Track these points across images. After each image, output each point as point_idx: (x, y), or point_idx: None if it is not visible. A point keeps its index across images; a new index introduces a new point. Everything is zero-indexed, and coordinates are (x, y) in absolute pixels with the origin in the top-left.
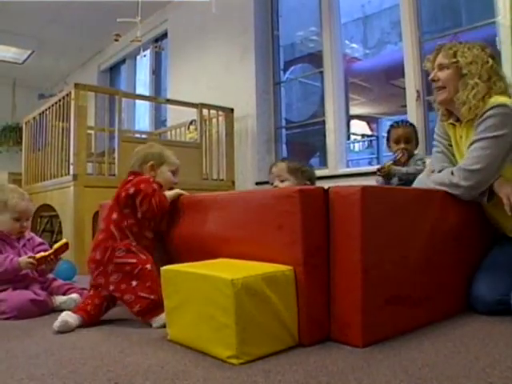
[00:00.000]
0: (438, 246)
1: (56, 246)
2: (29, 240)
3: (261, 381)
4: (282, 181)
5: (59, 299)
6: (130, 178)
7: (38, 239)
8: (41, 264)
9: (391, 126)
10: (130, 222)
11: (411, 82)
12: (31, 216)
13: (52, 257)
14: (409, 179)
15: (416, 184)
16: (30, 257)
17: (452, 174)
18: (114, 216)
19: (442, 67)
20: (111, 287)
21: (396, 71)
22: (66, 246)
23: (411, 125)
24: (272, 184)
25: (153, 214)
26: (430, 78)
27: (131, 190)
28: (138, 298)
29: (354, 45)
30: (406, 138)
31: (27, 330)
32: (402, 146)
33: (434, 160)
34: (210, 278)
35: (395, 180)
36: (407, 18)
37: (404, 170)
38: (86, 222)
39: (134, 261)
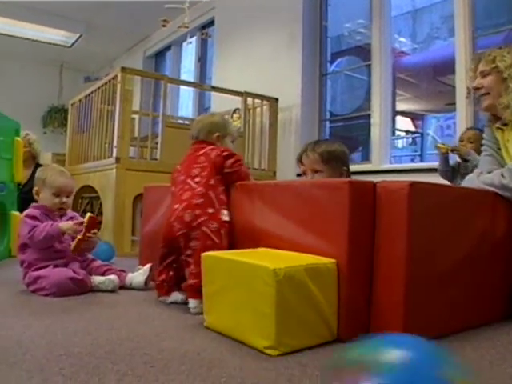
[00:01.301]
0: (486, 247)
1: (84, 223)
2: (71, 218)
3: (297, 374)
4: (316, 171)
5: (97, 279)
6: (203, 145)
7: (81, 219)
8: (79, 246)
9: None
10: (221, 189)
11: (462, 79)
12: (71, 193)
13: (87, 235)
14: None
15: (465, 183)
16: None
17: (502, 175)
18: (212, 182)
19: (483, 74)
20: (188, 251)
21: (444, 67)
22: (93, 219)
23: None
24: (304, 175)
25: (238, 180)
26: (473, 86)
27: (224, 154)
28: (199, 274)
29: (402, 39)
30: (469, 138)
31: (66, 308)
32: (463, 143)
33: (483, 163)
34: (252, 267)
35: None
36: (461, 12)
37: (478, 158)
38: (127, 204)
39: (218, 241)
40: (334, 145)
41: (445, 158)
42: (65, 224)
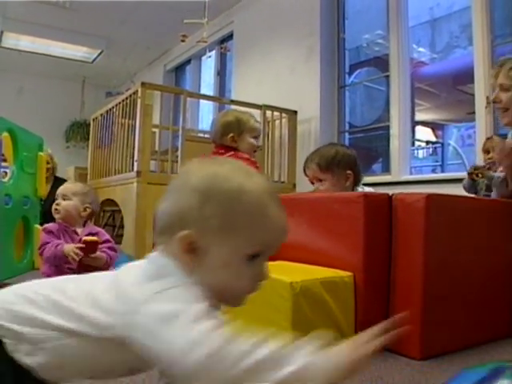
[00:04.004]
0: (504, 258)
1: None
2: (93, 234)
3: None
4: (320, 180)
5: None
6: (221, 150)
7: (106, 236)
8: (80, 266)
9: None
10: None
11: (481, 88)
12: (66, 195)
13: (82, 258)
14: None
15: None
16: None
17: None
18: None
19: (503, 88)
20: None
21: (464, 76)
22: (89, 244)
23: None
24: (313, 184)
25: None
26: (491, 98)
27: None
28: None
29: (421, 49)
30: (494, 148)
31: None
32: (490, 155)
33: None
34: (269, 280)
35: (482, 184)
36: (479, 21)
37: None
38: (148, 218)
39: None
40: (334, 149)
41: (473, 184)
42: (67, 247)
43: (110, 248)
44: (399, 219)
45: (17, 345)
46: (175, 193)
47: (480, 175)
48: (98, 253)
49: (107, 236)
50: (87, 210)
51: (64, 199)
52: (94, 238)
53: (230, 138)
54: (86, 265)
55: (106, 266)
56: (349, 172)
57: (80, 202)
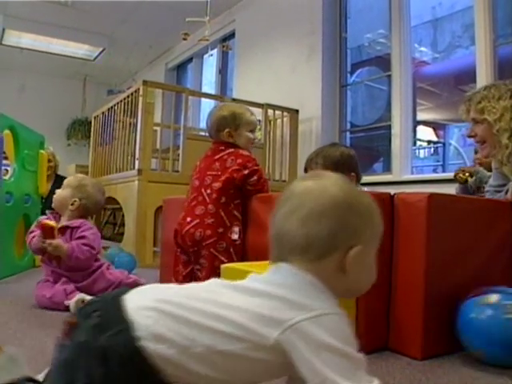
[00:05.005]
0: (504, 258)
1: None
2: (73, 228)
3: None
4: None
5: (68, 302)
6: (221, 147)
7: (85, 232)
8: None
9: None
10: (234, 204)
11: None
12: (64, 185)
13: (43, 245)
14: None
15: None
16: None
17: None
18: (223, 200)
19: (476, 122)
20: (197, 266)
21: (466, 76)
22: (43, 227)
23: None
24: None
25: (258, 193)
26: (466, 134)
27: (245, 172)
28: None
29: (423, 48)
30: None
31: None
32: (477, 155)
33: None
34: None
35: (472, 181)
36: (481, 21)
37: (488, 174)
38: (149, 216)
39: (226, 260)
40: (339, 151)
41: (464, 188)
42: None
43: (83, 244)
44: (401, 218)
45: (158, 347)
46: (324, 213)
47: (467, 174)
48: (58, 240)
49: (86, 233)
50: (74, 203)
51: (62, 189)
52: (51, 223)
53: (226, 133)
54: (49, 253)
55: (71, 259)
56: (353, 174)
57: (70, 194)
